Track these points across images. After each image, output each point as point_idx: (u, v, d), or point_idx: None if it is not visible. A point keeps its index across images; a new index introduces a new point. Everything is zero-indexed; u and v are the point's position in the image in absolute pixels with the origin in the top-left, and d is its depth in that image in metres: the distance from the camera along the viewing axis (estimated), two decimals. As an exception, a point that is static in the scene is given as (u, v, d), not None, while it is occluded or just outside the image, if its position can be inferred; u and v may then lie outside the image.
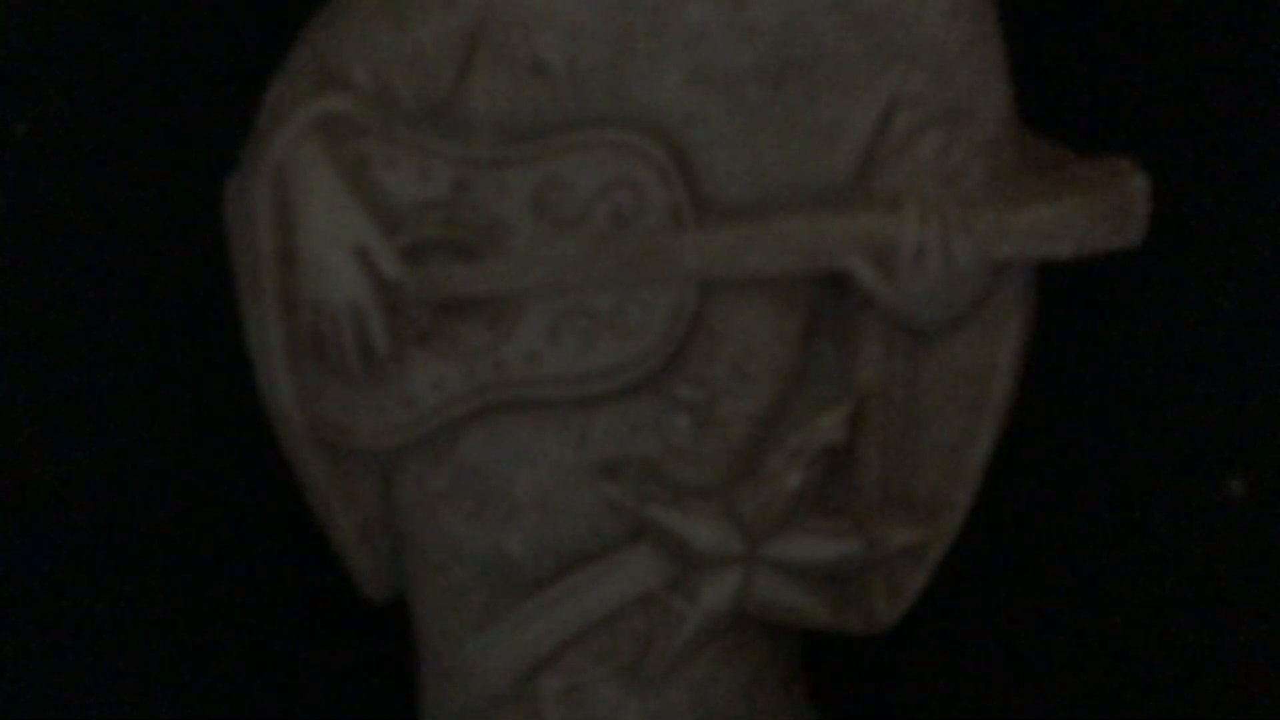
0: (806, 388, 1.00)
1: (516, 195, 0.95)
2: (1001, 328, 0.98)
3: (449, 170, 0.95)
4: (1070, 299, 1.05)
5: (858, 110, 0.95)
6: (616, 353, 0.97)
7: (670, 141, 0.94)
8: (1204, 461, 1.27)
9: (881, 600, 1.03)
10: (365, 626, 1.15)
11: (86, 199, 1.23)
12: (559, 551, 1.01)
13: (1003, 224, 0.95)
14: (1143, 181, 0.96)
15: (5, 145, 1.22)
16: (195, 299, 1.20)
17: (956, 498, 1.01)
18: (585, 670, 1.04)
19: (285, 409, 0.99)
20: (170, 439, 1.28)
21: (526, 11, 0.92)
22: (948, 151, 0.95)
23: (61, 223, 1.24)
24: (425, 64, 0.94)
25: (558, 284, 0.96)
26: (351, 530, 1.03)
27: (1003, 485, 1.02)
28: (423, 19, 0.93)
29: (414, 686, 1.08)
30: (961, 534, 1.02)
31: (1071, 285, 1.03)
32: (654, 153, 0.94)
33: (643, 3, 0.92)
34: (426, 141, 0.94)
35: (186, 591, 1.29)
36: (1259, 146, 1.21)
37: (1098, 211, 0.95)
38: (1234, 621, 1.27)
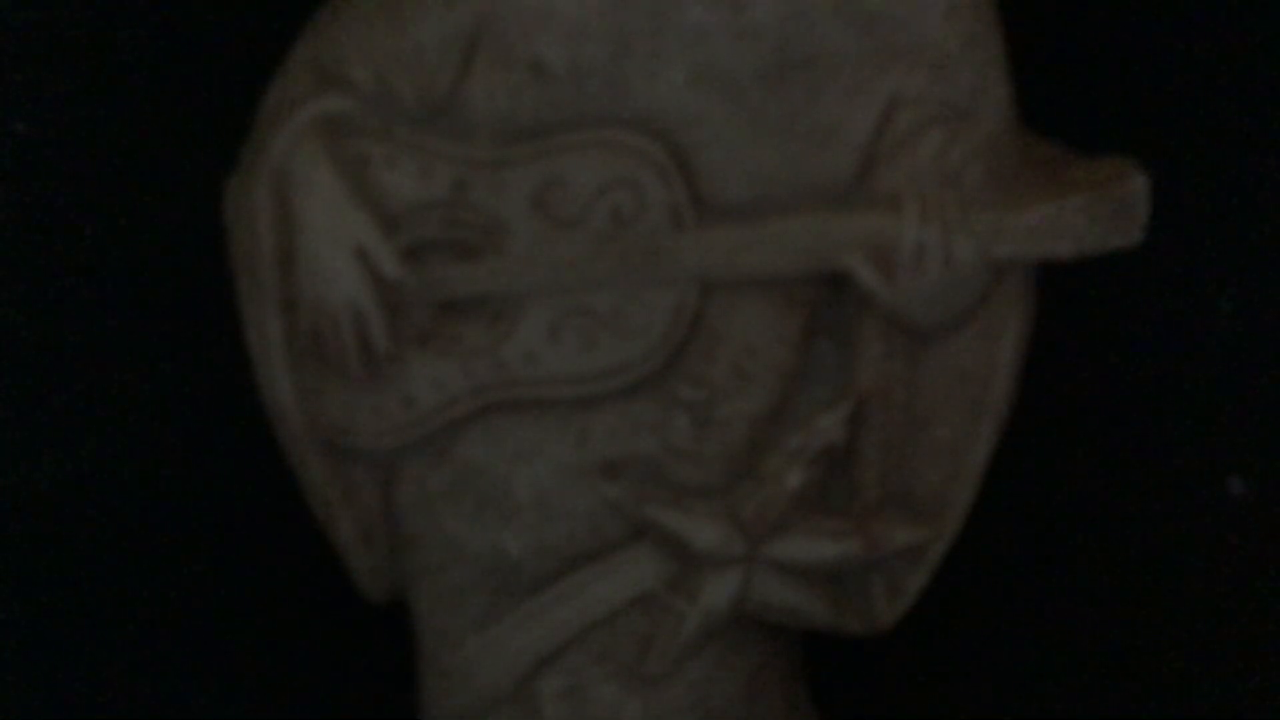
0: (806, 388, 1.00)
1: (516, 195, 0.95)
2: (1001, 328, 0.98)
3: (449, 170, 0.95)
4: (1070, 299, 1.05)
5: (858, 110, 0.95)
6: (616, 353, 0.97)
7: (670, 141, 0.94)
8: (1204, 461, 1.27)
9: (881, 600, 1.03)
10: (365, 626, 1.15)
11: (86, 199, 1.23)
12: (559, 551, 1.01)
13: (1003, 224, 0.95)
14: (1143, 181, 0.96)
15: (5, 145, 1.22)
16: (194, 299, 1.20)
17: (956, 498, 1.01)
18: (585, 670, 1.04)
19: (285, 409, 0.99)
20: (170, 439, 1.28)
21: (526, 11, 0.92)
22: (948, 151, 0.95)
23: (61, 223, 1.24)
24: (425, 64, 0.94)
25: (557, 284, 0.96)
26: (351, 531, 1.03)
27: (1003, 485, 1.02)
28: (423, 19, 0.93)
29: (414, 686, 1.08)
30: (961, 534, 1.02)
31: (1071, 285, 1.03)
32: (654, 153, 0.94)
33: (643, 3, 0.92)
34: (426, 141, 0.94)
35: (186, 592, 1.29)
36: (1259, 146, 1.21)
37: (1098, 211, 0.95)
38: (1234, 621, 1.27)
